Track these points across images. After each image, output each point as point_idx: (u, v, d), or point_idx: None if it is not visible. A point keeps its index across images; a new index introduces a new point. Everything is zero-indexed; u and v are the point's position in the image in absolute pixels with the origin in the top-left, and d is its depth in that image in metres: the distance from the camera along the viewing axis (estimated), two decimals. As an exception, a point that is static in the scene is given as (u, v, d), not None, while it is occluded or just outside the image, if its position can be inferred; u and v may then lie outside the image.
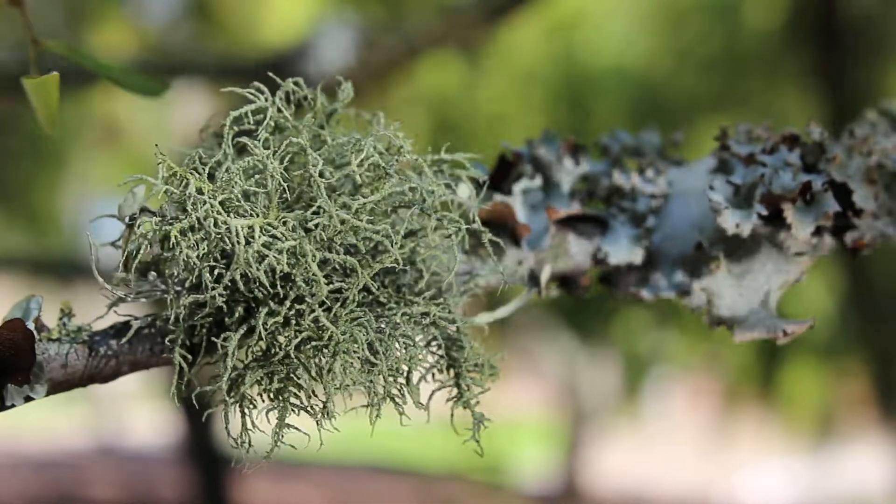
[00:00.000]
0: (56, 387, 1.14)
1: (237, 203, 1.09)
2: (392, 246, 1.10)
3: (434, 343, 1.16)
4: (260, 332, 1.09)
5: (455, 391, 1.17)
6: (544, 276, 1.25)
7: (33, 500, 8.44)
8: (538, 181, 1.28)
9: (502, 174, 1.28)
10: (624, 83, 6.95)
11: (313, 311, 1.08)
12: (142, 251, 1.11)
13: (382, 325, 1.12)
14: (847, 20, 5.91)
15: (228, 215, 1.08)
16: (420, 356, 1.13)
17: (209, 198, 1.08)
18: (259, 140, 1.12)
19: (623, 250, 1.25)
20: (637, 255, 1.25)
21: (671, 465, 11.34)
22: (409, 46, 3.74)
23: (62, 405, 11.78)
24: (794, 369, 8.38)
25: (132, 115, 7.85)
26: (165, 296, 1.13)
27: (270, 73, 1.17)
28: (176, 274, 1.11)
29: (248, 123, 1.14)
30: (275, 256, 1.06)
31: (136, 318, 1.15)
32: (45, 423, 11.40)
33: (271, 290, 1.08)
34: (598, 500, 10.09)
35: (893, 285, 6.23)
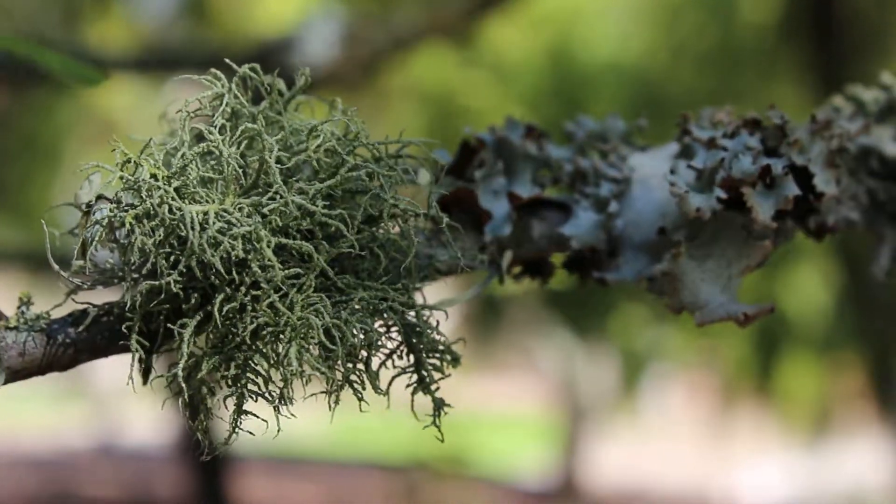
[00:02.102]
0: (14, 375, 1.14)
1: (193, 189, 1.09)
2: (349, 231, 1.10)
3: (393, 329, 1.15)
4: (216, 319, 1.08)
5: (415, 377, 1.16)
6: (506, 261, 1.24)
7: (31, 499, 8.45)
8: (500, 167, 1.27)
9: (465, 160, 1.28)
10: (619, 78, 6.94)
11: (269, 296, 1.08)
12: (97, 238, 1.11)
13: (340, 311, 1.11)
14: (842, 15, 5.91)
15: (183, 201, 1.08)
16: (379, 342, 1.13)
17: (163, 184, 1.08)
18: (215, 126, 1.12)
19: (586, 235, 1.25)
20: (600, 241, 1.24)
21: (669, 461, 11.34)
22: (394, 39, 3.74)
23: (59, 403, 11.79)
24: (791, 364, 8.37)
25: (126, 112, 7.86)
26: (123, 283, 1.13)
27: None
28: (132, 261, 1.10)
29: (206, 110, 1.14)
30: (230, 242, 1.06)
31: (94, 306, 1.15)
32: (42, 422, 11.41)
33: (227, 277, 1.07)
34: (595, 497, 10.09)
35: (889, 279, 6.22)
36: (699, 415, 11.50)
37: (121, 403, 11.32)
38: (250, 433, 1.12)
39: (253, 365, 1.11)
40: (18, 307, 1.16)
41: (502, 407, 12.81)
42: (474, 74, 6.84)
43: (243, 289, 1.08)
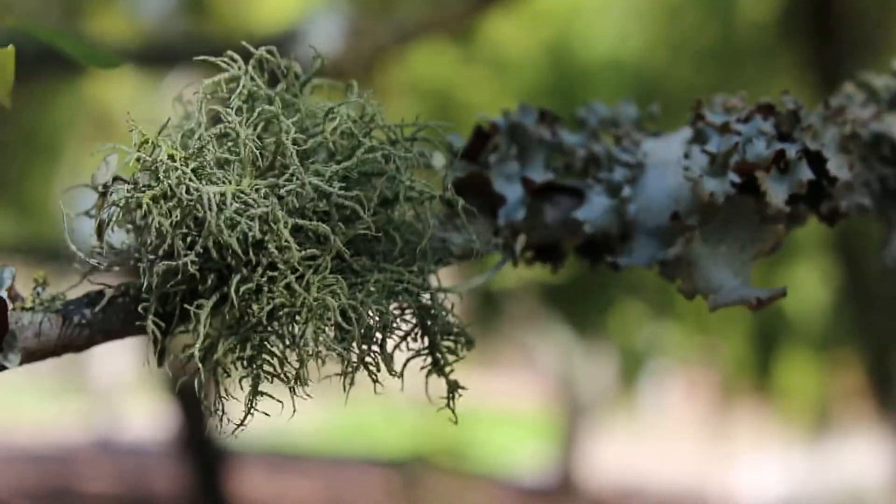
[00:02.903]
0: (30, 356, 1.14)
1: (210, 170, 1.09)
2: (365, 213, 1.10)
3: (408, 311, 1.16)
4: (232, 300, 1.09)
5: (429, 359, 1.17)
6: (519, 245, 1.25)
7: (29, 493, 8.44)
8: (514, 152, 1.28)
9: (478, 145, 1.28)
10: (618, 75, 6.95)
11: (285, 277, 1.08)
12: (114, 219, 1.11)
13: (355, 293, 1.12)
14: (842, 12, 5.92)
15: (201, 182, 1.08)
16: (394, 324, 1.14)
17: (181, 165, 1.08)
18: (232, 108, 1.12)
19: (599, 220, 1.25)
20: (613, 226, 1.25)
21: (667, 458, 11.34)
22: (397, 34, 3.74)
23: (57, 398, 11.79)
24: (790, 362, 8.38)
25: (126, 106, 7.85)
26: (139, 264, 1.13)
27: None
28: (149, 242, 1.11)
29: (222, 92, 1.15)
30: (247, 223, 1.06)
31: (110, 287, 1.16)
32: (40, 416, 11.41)
33: (244, 258, 1.08)
34: (594, 494, 10.10)
35: (889, 276, 6.23)
36: (698, 412, 11.52)
37: (119, 398, 11.33)
38: (260, 418, 1.12)
39: (269, 346, 1.11)
40: (34, 288, 1.17)
41: (500, 403, 12.82)
42: (474, 70, 6.84)
43: (260, 270, 1.08)
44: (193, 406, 6.78)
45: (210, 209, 1.06)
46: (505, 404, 13.03)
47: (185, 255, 1.08)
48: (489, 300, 8.47)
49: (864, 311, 6.25)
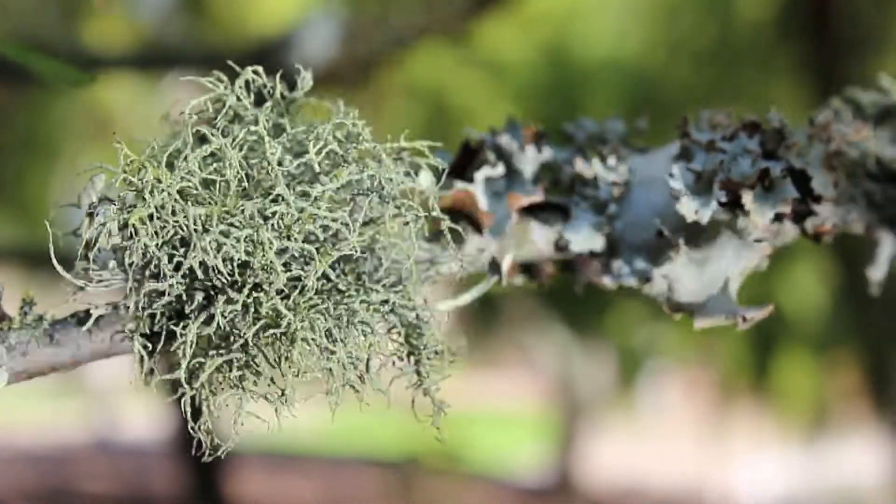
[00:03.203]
0: (17, 376, 1.15)
1: (196, 191, 1.10)
2: (350, 233, 1.11)
3: (394, 330, 1.16)
4: (219, 321, 1.09)
5: (415, 378, 1.17)
6: (506, 263, 1.25)
7: (28, 494, 8.45)
8: (501, 169, 1.28)
9: (465, 161, 1.28)
10: (616, 76, 6.95)
11: (271, 298, 1.08)
12: (101, 239, 1.11)
13: (341, 313, 1.12)
14: (839, 12, 5.92)
15: (186, 203, 1.09)
16: (379, 343, 1.14)
17: (167, 186, 1.09)
18: (218, 128, 1.13)
19: (585, 238, 1.25)
20: (598, 243, 1.25)
21: (666, 458, 11.35)
22: (393, 38, 3.75)
23: (56, 398, 11.79)
24: (788, 361, 8.39)
25: (125, 108, 7.86)
26: (126, 284, 1.13)
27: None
28: (135, 262, 1.11)
29: (208, 112, 1.15)
30: (232, 244, 1.07)
31: (97, 307, 1.16)
32: (39, 417, 11.41)
33: (229, 278, 1.08)
34: (592, 494, 10.10)
35: (886, 277, 6.23)
36: (696, 412, 11.52)
37: (118, 399, 11.33)
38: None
39: (255, 366, 1.12)
40: (21, 308, 1.17)
41: (499, 403, 12.83)
42: (471, 73, 6.85)
43: (246, 290, 1.08)
44: (192, 407, 6.79)
45: (195, 230, 1.07)
46: (503, 404, 13.04)
47: (171, 276, 1.08)
48: (487, 301, 8.46)
49: (861, 312, 6.25)
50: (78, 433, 10.99)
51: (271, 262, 1.07)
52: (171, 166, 1.12)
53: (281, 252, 1.09)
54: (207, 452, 1.14)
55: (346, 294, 1.14)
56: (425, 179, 1.19)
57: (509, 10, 4.96)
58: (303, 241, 1.10)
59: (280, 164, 1.11)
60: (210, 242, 1.07)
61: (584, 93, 6.90)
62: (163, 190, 1.08)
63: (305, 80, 1.20)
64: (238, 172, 1.10)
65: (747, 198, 1.16)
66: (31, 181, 7.67)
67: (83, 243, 1.14)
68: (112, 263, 1.15)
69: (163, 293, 1.10)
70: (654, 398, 12.18)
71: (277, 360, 1.11)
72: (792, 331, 7.96)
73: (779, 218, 1.18)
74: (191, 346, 1.10)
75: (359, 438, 11.06)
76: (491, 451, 10.89)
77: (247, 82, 1.17)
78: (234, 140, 1.12)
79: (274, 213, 1.08)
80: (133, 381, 1.13)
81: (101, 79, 5.85)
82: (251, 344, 1.10)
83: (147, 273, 1.10)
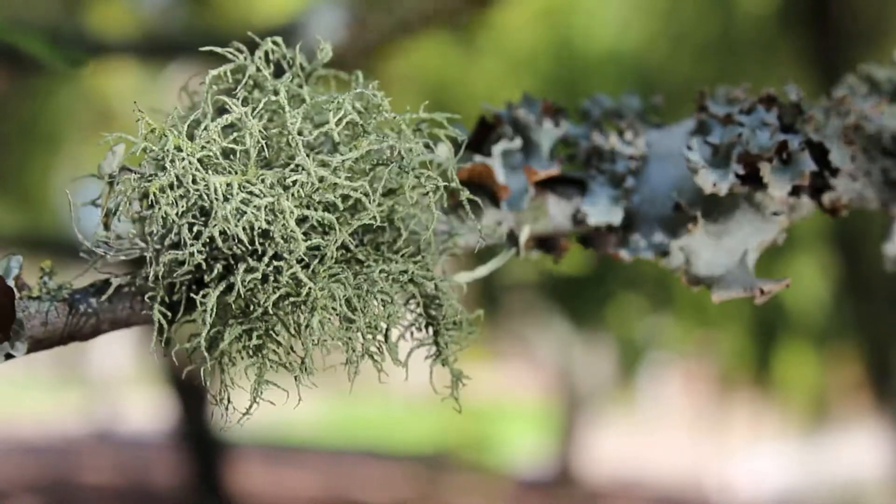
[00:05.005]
0: (36, 344, 1.15)
1: (216, 160, 1.10)
2: (370, 203, 1.11)
3: (412, 301, 1.16)
4: (238, 289, 1.09)
5: (434, 349, 1.18)
6: (523, 236, 1.25)
7: (29, 485, 8.45)
8: (518, 143, 1.28)
9: (482, 136, 1.28)
10: (619, 67, 6.95)
11: (291, 267, 1.09)
12: (121, 209, 1.11)
13: (361, 283, 1.12)
14: (841, 5, 5.92)
15: (207, 172, 1.09)
16: (398, 313, 1.14)
17: (188, 155, 1.09)
18: (238, 98, 1.13)
19: (602, 211, 1.26)
20: (616, 216, 1.25)
21: (665, 450, 11.36)
22: (399, 25, 3.74)
23: (57, 390, 11.79)
24: (789, 354, 8.40)
25: (126, 97, 7.85)
26: (145, 254, 1.13)
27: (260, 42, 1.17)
28: (155, 231, 1.11)
29: (228, 82, 1.15)
30: (253, 213, 1.07)
31: (117, 276, 1.16)
32: (40, 409, 11.42)
33: (250, 247, 1.08)
34: (592, 485, 10.11)
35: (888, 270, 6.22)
36: (696, 404, 11.53)
37: (119, 391, 11.34)
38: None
39: (274, 335, 1.12)
40: (40, 277, 1.17)
41: (499, 396, 12.83)
42: (476, 62, 6.84)
43: (266, 259, 1.08)
44: (192, 398, 6.79)
45: (217, 199, 1.07)
46: (504, 396, 13.04)
47: (192, 245, 1.08)
48: (489, 293, 8.47)
49: (862, 305, 6.25)
50: (79, 424, 10.99)
51: (292, 230, 1.07)
52: (190, 136, 1.12)
53: (301, 221, 1.10)
54: (226, 423, 1.14)
55: (366, 264, 1.14)
56: (444, 151, 1.19)
57: (514, 1, 4.96)
58: (322, 210, 1.10)
59: (300, 133, 1.11)
60: (231, 211, 1.07)
61: (586, 84, 6.89)
62: (183, 158, 1.08)
63: (325, 51, 1.21)
64: (258, 142, 1.10)
65: (765, 170, 1.16)
66: (32, 170, 7.67)
67: (103, 212, 1.14)
68: (132, 233, 1.15)
69: (182, 262, 1.10)
70: (654, 390, 12.20)
71: (297, 329, 1.11)
72: (793, 324, 7.96)
73: (796, 191, 1.18)
74: (210, 315, 1.10)
75: (359, 430, 11.07)
76: (491, 443, 10.89)
77: (266, 53, 1.17)
78: (254, 109, 1.12)
79: (294, 182, 1.08)
80: (153, 350, 1.13)
81: (103, 67, 5.85)
82: (271, 313, 1.10)
83: (167, 242, 1.10)
